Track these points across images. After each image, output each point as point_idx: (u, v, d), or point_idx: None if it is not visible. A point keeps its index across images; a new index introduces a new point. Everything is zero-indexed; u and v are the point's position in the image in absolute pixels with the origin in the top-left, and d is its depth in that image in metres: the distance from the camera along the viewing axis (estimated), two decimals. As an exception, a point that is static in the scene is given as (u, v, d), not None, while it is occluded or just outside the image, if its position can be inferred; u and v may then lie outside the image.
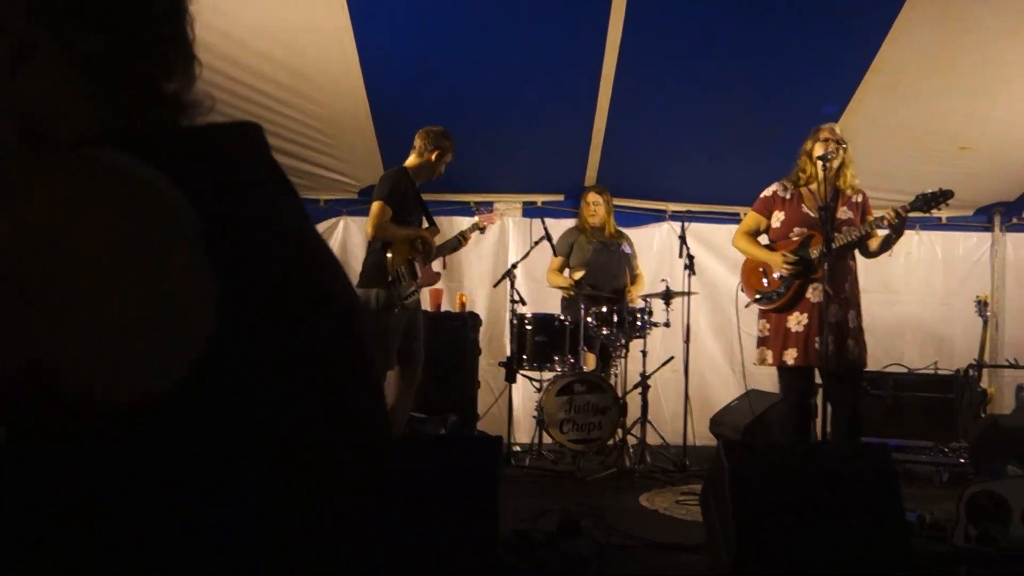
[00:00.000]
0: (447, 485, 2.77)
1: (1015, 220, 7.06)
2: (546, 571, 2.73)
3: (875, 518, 2.76)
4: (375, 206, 4.48)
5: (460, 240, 5.08)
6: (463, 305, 6.30)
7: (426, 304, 6.33)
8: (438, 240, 4.96)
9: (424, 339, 5.10)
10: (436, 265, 5.09)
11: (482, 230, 5.27)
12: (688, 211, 6.67)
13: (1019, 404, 6.14)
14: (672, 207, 6.85)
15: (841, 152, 4.19)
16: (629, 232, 6.38)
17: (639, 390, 5.37)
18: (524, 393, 6.38)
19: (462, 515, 2.72)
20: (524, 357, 5.53)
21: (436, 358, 5.89)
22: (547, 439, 5.46)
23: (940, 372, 5.42)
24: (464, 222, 6.81)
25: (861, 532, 2.73)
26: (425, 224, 4.87)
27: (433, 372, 5.85)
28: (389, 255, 4.50)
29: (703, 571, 2.81)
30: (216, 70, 5.40)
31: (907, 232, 6.94)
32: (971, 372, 6.02)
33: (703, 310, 6.73)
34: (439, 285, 6.50)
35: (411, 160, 4.76)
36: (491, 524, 2.73)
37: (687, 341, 5.31)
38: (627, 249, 6.06)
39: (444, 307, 6.35)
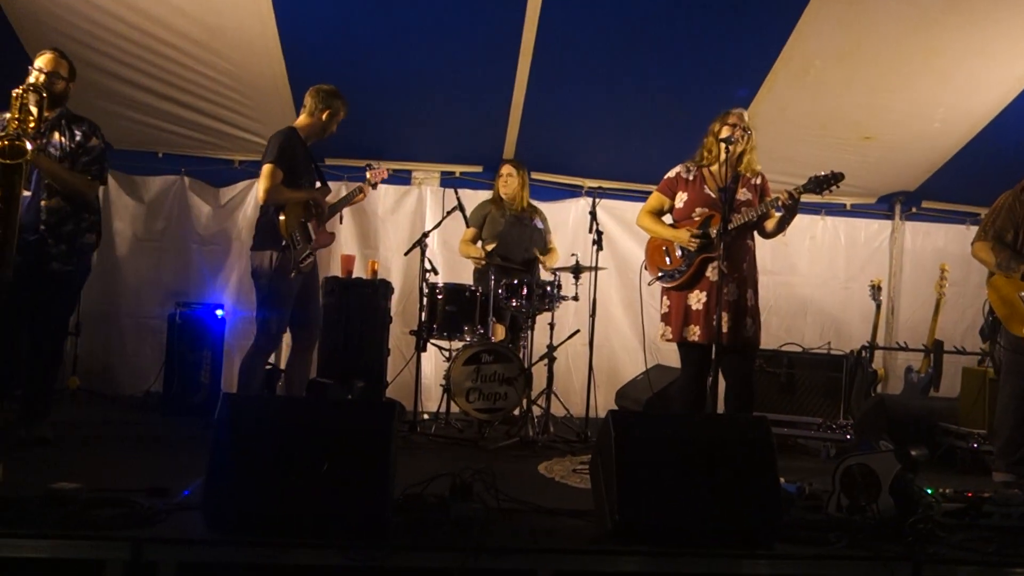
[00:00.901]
0: (341, 447, 2.80)
1: (914, 209, 7.34)
2: (433, 533, 2.78)
3: (751, 486, 2.88)
4: (265, 169, 4.42)
5: (359, 192, 5.05)
6: (375, 272, 6.29)
7: (337, 270, 6.32)
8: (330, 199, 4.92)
9: (338, 305, 5.11)
10: (331, 225, 5.04)
11: (374, 186, 5.21)
12: (602, 188, 6.76)
13: (907, 384, 6.46)
14: (588, 183, 6.93)
15: (746, 139, 4.31)
16: (545, 206, 6.44)
17: (545, 362, 5.45)
18: (434, 362, 6.42)
19: (354, 477, 2.76)
20: (434, 326, 5.56)
21: (346, 325, 5.89)
22: (455, 408, 5.51)
23: (833, 352, 5.63)
24: (381, 190, 6.81)
25: (737, 499, 2.86)
26: (318, 185, 4.82)
27: (342, 338, 5.86)
28: (282, 218, 4.46)
29: (587, 535, 2.89)
30: (125, 21, 5.27)
31: (813, 217, 7.24)
32: (863, 353, 6.29)
33: (614, 285, 6.86)
34: (351, 251, 6.50)
35: (301, 120, 4.71)
36: (382, 486, 2.78)
37: (593, 315, 5.40)
38: (539, 224, 6.12)
39: (356, 274, 6.32)
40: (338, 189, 5.92)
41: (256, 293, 4.60)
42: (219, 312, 5.96)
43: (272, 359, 5.68)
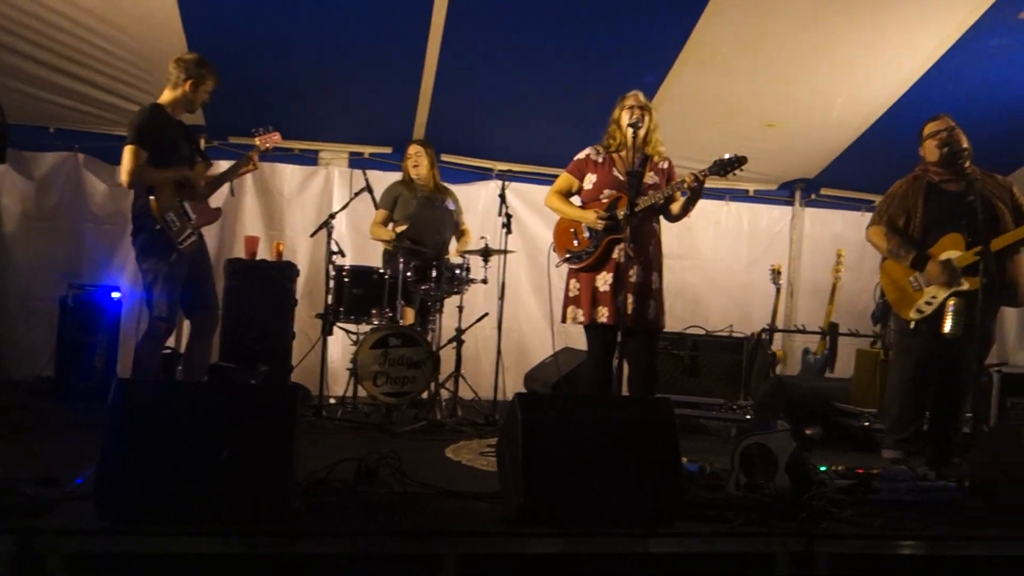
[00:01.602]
0: (242, 433, 2.73)
1: (813, 196, 7.60)
2: (338, 518, 2.74)
3: (654, 466, 2.93)
4: (126, 152, 4.27)
5: (246, 161, 4.81)
6: (280, 254, 6.15)
7: (240, 252, 6.16)
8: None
9: (241, 287, 4.93)
10: (220, 200, 4.85)
11: (264, 152, 4.94)
12: (512, 171, 6.76)
13: (804, 366, 6.69)
14: (499, 166, 6.94)
15: (647, 118, 4.36)
16: (456, 189, 6.40)
17: (454, 345, 5.43)
18: (341, 346, 6.34)
19: (255, 463, 2.69)
20: (341, 309, 5.48)
21: (249, 308, 5.76)
22: (362, 392, 5.45)
23: (735, 335, 5.79)
24: (287, 170, 6.66)
25: (640, 479, 2.90)
26: (199, 160, 4.65)
27: (245, 322, 5.72)
28: (152, 199, 4.30)
29: (493, 517, 2.90)
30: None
31: (717, 203, 7.40)
32: (763, 336, 6.48)
33: (524, 268, 6.89)
34: (255, 232, 6.34)
35: (165, 94, 4.53)
36: (285, 472, 2.72)
37: (502, 298, 5.41)
38: (451, 205, 6.08)
39: (260, 255, 6.17)
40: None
41: (142, 278, 4.44)
42: (115, 294, 5.74)
43: (172, 343, 5.51)
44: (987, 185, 4.42)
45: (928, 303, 4.36)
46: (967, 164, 4.38)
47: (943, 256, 4.32)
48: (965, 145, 4.38)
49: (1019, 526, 3.11)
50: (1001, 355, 7.65)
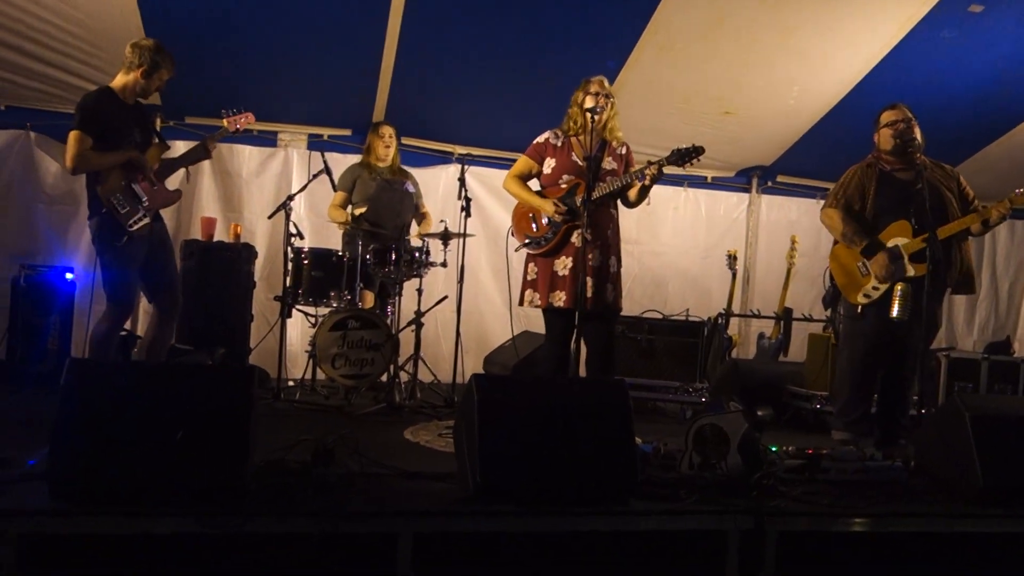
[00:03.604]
0: (196, 414, 2.72)
1: (770, 183, 7.69)
2: (294, 498, 2.75)
3: (608, 447, 2.98)
4: (71, 137, 4.22)
5: (204, 150, 4.74)
6: (237, 236, 6.10)
7: (197, 233, 6.09)
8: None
9: (198, 269, 4.83)
10: (174, 182, 4.80)
11: (235, 132, 4.90)
12: (472, 155, 6.74)
13: (759, 350, 6.80)
14: (459, 150, 6.91)
15: (609, 106, 4.40)
16: (416, 172, 6.39)
17: (413, 328, 5.44)
18: (300, 328, 6.31)
19: (210, 444, 2.69)
20: (300, 292, 5.46)
21: (207, 290, 5.71)
22: (320, 375, 5.44)
23: (691, 319, 5.86)
24: (245, 151, 6.59)
25: (595, 459, 2.95)
26: (156, 142, 4.60)
27: (203, 304, 5.67)
28: (99, 184, 4.27)
29: (449, 497, 2.92)
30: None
31: (676, 189, 7.46)
32: (719, 320, 6.57)
33: (484, 252, 6.90)
34: (212, 214, 6.27)
35: (118, 78, 4.47)
36: (240, 452, 2.72)
37: (461, 281, 5.42)
38: (410, 188, 6.07)
39: (218, 237, 6.11)
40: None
41: (98, 261, 4.39)
42: (69, 276, 5.65)
43: (128, 325, 5.44)
44: (935, 174, 4.54)
45: (875, 288, 4.47)
46: (918, 155, 4.49)
47: (891, 243, 4.44)
48: (917, 137, 4.49)
49: (961, 504, 3.22)
50: (949, 340, 7.85)
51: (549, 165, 4.50)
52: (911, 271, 4.37)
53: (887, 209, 4.53)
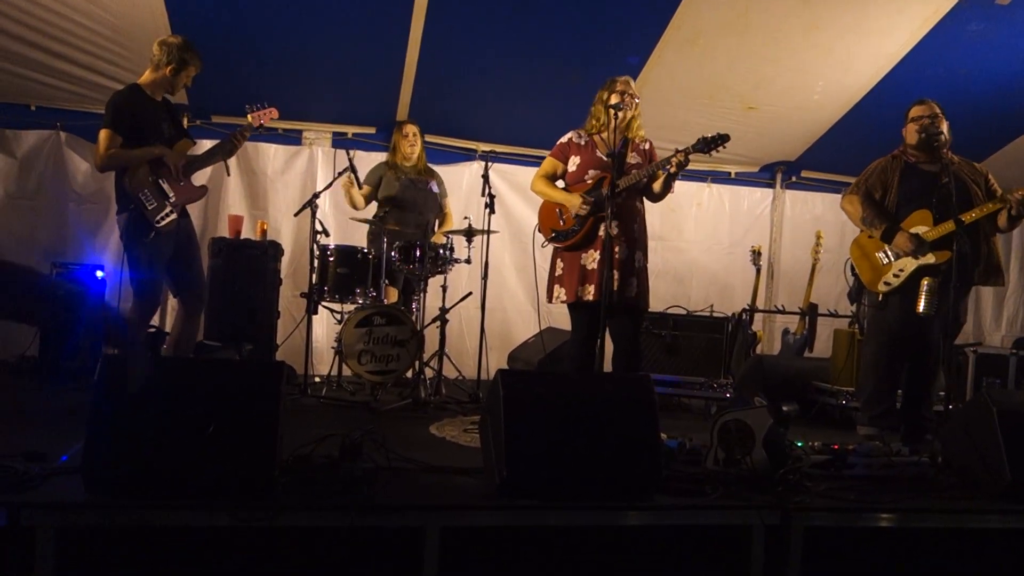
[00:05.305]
0: (227, 409, 2.76)
1: (794, 179, 7.66)
2: (322, 492, 2.79)
3: (634, 442, 2.99)
4: (101, 135, 4.30)
5: (233, 142, 4.76)
6: (264, 233, 6.16)
7: (224, 231, 6.16)
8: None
9: (225, 267, 4.84)
10: (201, 178, 4.85)
11: (259, 128, 4.91)
12: (495, 152, 6.74)
13: (784, 346, 6.77)
14: (482, 147, 6.93)
15: (633, 105, 4.41)
16: (439, 169, 6.42)
17: (438, 324, 5.47)
18: (326, 325, 6.36)
19: (240, 438, 2.72)
20: (326, 288, 5.50)
21: (234, 287, 5.77)
22: (346, 371, 5.48)
23: (716, 315, 5.85)
24: (270, 149, 6.65)
25: (621, 454, 2.96)
26: (183, 139, 4.65)
27: (230, 301, 5.73)
28: (126, 180, 4.34)
29: (475, 491, 2.95)
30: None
31: (699, 185, 7.45)
32: (744, 316, 6.56)
33: (508, 249, 6.92)
34: (239, 211, 6.33)
35: (146, 74, 4.54)
36: (270, 446, 2.75)
37: (485, 278, 5.45)
38: (435, 188, 6.11)
39: (244, 235, 6.17)
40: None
41: (125, 256, 4.46)
42: (99, 273, 5.73)
43: (156, 321, 5.52)
44: (963, 170, 4.52)
45: (896, 275, 4.48)
46: (944, 150, 4.47)
47: (912, 231, 4.44)
48: (943, 131, 4.47)
49: (988, 500, 3.20)
50: (977, 335, 7.78)
51: (574, 163, 4.51)
52: (932, 258, 4.36)
53: (909, 199, 4.54)
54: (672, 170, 4.26)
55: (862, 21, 5.57)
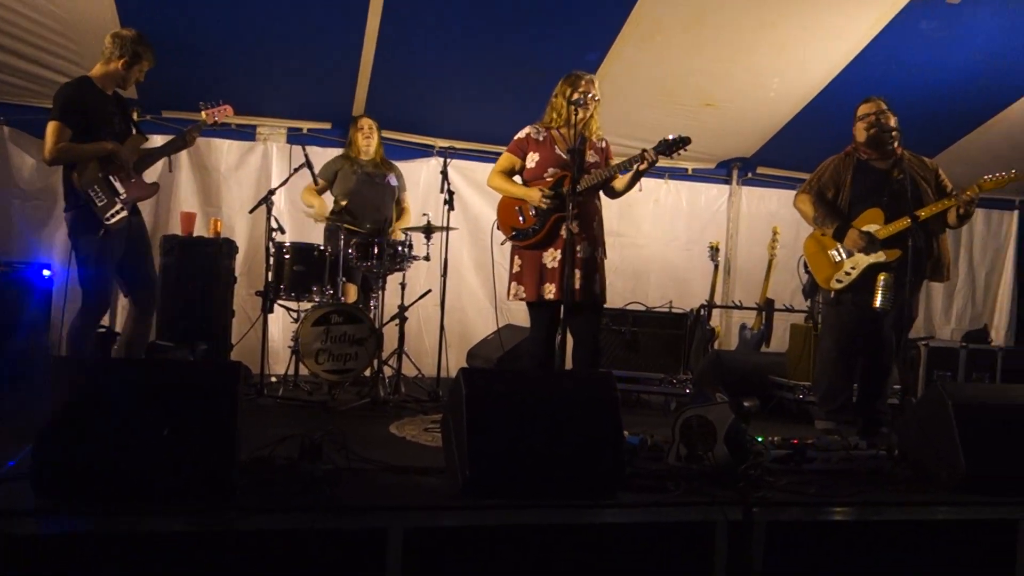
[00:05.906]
0: (182, 410, 2.69)
1: (750, 175, 7.73)
2: (282, 494, 2.73)
3: (596, 439, 2.97)
4: (49, 128, 4.18)
5: (183, 140, 4.71)
6: (217, 231, 6.04)
7: (176, 228, 6.04)
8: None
9: (177, 265, 4.72)
10: (152, 174, 4.75)
11: (213, 124, 4.89)
12: (453, 148, 6.71)
13: (741, 341, 6.83)
14: (440, 143, 6.89)
15: (593, 105, 4.38)
16: (397, 165, 6.35)
17: (396, 322, 5.42)
18: (282, 323, 6.27)
19: (197, 440, 2.66)
20: (282, 286, 5.42)
21: (187, 285, 5.66)
22: (303, 370, 5.41)
23: (674, 311, 5.87)
24: (224, 145, 6.52)
25: (584, 452, 2.94)
26: (134, 133, 4.55)
27: (183, 300, 5.62)
28: (75, 175, 4.23)
29: (438, 492, 2.91)
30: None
31: (657, 181, 7.48)
32: (702, 312, 6.60)
33: (466, 246, 6.89)
34: (191, 208, 6.21)
35: (97, 67, 4.42)
36: (228, 447, 2.69)
37: (444, 275, 5.41)
38: (393, 181, 6.05)
39: (197, 232, 6.05)
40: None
41: (73, 255, 4.35)
42: (46, 272, 5.57)
43: (106, 321, 5.39)
44: (913, 165, 4.59)
45: (847, 273, 4.56)
46: (895, 145, 4.54)
47: (863, 228, 4.51)
48: (893, 126, 4.54)
49: (943, 492, 3.25)
50: (928, 329, 7.93)
51: (532, 160, 4.48)
52: (883, 256, 4.42)
53: (861, 198, 4.60)
54: (642, 167, 4.23)
55: (816, 19, 5.63)
